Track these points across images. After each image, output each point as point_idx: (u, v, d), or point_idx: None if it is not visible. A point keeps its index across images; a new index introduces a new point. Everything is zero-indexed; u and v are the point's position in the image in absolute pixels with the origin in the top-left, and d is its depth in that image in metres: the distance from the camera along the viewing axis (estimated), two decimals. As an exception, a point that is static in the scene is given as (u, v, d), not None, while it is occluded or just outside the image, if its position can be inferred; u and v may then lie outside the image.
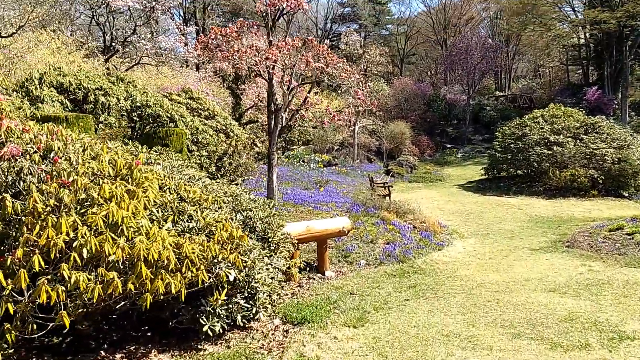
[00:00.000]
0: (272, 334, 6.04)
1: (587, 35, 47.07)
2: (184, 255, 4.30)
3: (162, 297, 4.32)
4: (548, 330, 6.11)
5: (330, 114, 14.97)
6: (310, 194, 17.23)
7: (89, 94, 14.96)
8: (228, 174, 16.41)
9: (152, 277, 4.02)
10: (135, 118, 16.10)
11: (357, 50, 44.04)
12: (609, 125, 23.36)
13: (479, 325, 6.35)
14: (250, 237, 6.24)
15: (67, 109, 14.17)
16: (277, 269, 6.77)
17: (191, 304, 5.35)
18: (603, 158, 20.67)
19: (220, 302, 4.91)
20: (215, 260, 4.88)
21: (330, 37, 60.66)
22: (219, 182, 6.95)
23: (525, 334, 6.00)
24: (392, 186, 20.01)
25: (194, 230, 5.00)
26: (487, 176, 25.37)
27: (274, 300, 6.65)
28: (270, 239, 6.37)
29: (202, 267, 4.54)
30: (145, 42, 26.49)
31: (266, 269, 6.07)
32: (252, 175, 18.17)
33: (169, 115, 15.86)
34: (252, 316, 6.00)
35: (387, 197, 18.52)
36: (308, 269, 9.64)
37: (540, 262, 10.17)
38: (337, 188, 20.83)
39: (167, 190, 5.53)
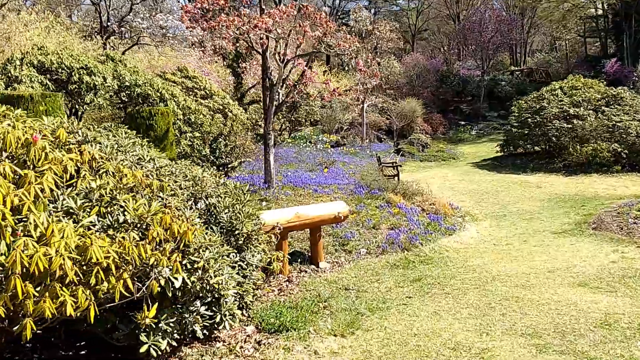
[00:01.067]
0: (241, 347, 4.95)
1: (605, 5, 45.05)
2: (94, 261, 3.20)
3: (74, 315, 3.24)
4: (581, 340, 4.93)
5: (330, 88, 13.77)
6: (313, 176, 16.11)
7: (72, 73, 13.89)
8: (223, 156, 15.30)
9: (37, 295, 2.94)
10: (124, 99, 15.08)
11: (367, 26, 42.41)
12: (631, 97, 21.86)
13: (494, 333, 5.19)
14: (212, 231, 5.13)
15: (48, 90, 13.17)
16: (252, 266, 5.68)
17: (131, 316, 4.27)
18: (627, 131, 19.23)
19: (148, 320, 3.79)
20: (152, 264, 3.78)
21: (339, 14, 59.02)
22: (179, 165, 5.84)
23: (554, 346, 4.82)
24: (401, 166, 18.80)
25: (125, 226, 3.90)
26: (503, 153, 24.02)
27: (248, 304, 5.55)
28: (238, 232, 5.25)
29: (125, 274, 3.43)
30: (141, 21, 25.34)
31: (231, 267, 4.97)
32: (250, 157, 17.08)
33: (159, 95, 14.78)
34: (216, 325, 4.91)
35: (396, 178, 17.36)
36: (300, 260, 8.54)
37: (564, 247, 8.95)
38: (344, 169, 19.73)
39: (105, 174, 4.44)
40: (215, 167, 15.30)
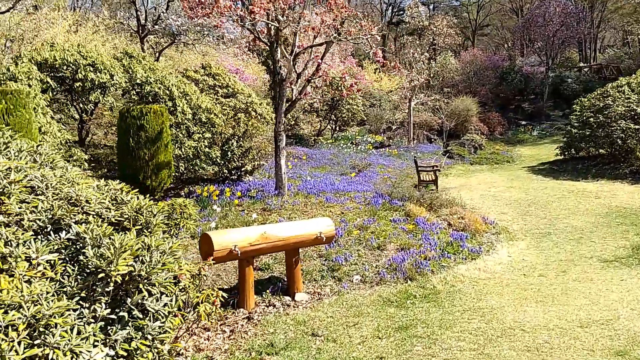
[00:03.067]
0: None
1: (685, -5, 41.00)
2: None
3: None
4: None
5: (347, 83, 12.17)
6: (337, 182, 14.55)
7: (78, 70, 12.92)
8: (235, 159, 13.94)
9: None
10: (134, 97, 14.07)
11: (422, 22, 40.38)
12: None
13: None
14: (65, 276, 3.63)
15: (51, 89, 12.28)
16: (152, 315, 4.15)
17: None
18: None
19: None
20: None
21: (395, 10, 57.19)
22: (59, 175, 4.37)
23: None
24: (440, 170, 16.85)
25: None
26: (563, 156, 21.53)
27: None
28: (104, 275, 3.73)
29: None
30: (175, 19, 24.46)
31: (103, 325, 3.47)
32: (267, 159, 15.64)
33: (167, 93, 13.61)
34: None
35: (434, 184, 15.54)
36: (273, 289, 6.98)
37: (612, 285, 6.93)
38: (380, 173, 18.11)
39: None
40: (227, 171, 13.98)
